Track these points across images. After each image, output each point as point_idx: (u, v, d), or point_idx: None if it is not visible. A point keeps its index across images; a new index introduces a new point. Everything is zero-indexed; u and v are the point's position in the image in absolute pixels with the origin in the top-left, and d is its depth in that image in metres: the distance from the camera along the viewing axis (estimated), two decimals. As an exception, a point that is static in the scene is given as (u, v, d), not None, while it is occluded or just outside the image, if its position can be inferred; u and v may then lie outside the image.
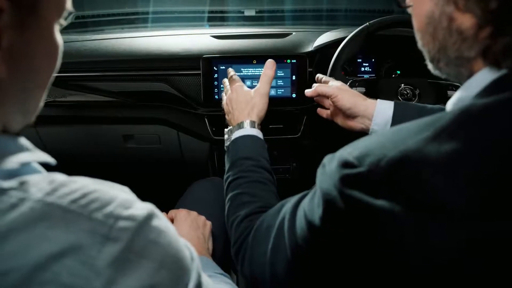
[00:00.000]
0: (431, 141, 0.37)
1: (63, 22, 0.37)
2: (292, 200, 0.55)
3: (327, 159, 0.46)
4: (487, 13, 0.39)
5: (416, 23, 0.49)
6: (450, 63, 0.46)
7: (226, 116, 0.94)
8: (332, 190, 0.41)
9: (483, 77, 0.42)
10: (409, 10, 0.51)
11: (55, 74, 0.37)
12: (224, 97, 0.96)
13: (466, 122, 0.38)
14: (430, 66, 0.50)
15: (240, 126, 0.86)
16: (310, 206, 0.47)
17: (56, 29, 0.36)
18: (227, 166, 0.82)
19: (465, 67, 0.45)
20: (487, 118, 0.38)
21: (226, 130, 0.90)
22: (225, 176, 0.81)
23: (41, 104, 0.38)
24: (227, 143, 0.88)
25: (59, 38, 0.37)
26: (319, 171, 0.47)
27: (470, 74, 0.44)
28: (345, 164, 0.41)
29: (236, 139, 0.84)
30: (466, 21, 0.41)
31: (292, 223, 0.51)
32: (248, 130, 0.85)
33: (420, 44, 0.50)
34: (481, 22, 0.40)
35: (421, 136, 0.38)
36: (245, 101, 0.89)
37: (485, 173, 0.36)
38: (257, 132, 0.86)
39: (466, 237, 0.35)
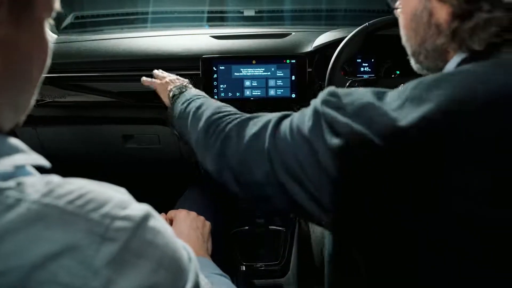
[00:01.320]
0: (397, 110, 0.44)
1: (51, 21, 0.38)
2: (276, 113, 0.60)
3: (321, 92, 0.54)
4: (461, 2, 0.47)
5: (402, 20, 0.58)
6: (428, 56, 0.54)
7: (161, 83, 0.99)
8: (318, 107, 0.51)
9: (454, 61, 0.50)
10: (397, 11, 0.59)
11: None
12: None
13: (419, 88, 0.45)
14: (411, 61, 0.58)
15: (183, 89, 0.91)
16: (300, 117, 0.54)
17: (46, 27, 0.37)
18: (179, 100, 0.85)
19: (440, 59, 0.53)
20: (439, 83, 0.44)
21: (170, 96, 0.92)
22: (178, 106, 0.83)
23: (32, 101, 0.38)
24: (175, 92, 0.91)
25: (49, 35, 0.37)
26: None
27: (445, 65, 0.52)
28: (331, 94, 0.51)
29: (190, 89, 0.91)
30: (443, 13, 0.49)
31: (275, 129, 0.56)
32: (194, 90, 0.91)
33: (404, 40, 0.59)
34: (456, 11, 0.48)
35: (392, 105, 0.45)
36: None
37: (422, 132, 0.41)
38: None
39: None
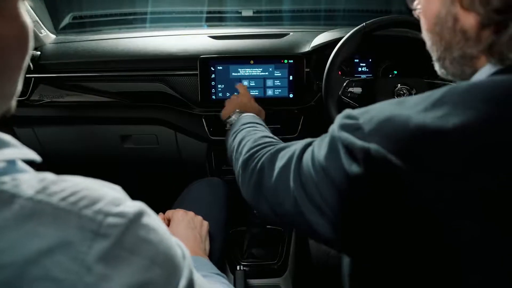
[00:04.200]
0: (422, 112, 0.41)
1: (29, 3, 0.36)
2: (302, 141, 0.60)
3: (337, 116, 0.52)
4: (490, 11, 0.42)
5: (425, 23, 0.53)
6: (454, 62, 0.50)
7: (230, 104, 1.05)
8: (335, 132, 0.49)
9: (486, 70, 0.45)
10: (416, 12, 0.55)
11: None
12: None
13: (453, 93, 0.42)
14: (436, 66, 0.54)
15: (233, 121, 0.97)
16: (318, 145, 0.53)
17: (23, 10, 0.35)
18: (230, 132, 0.90)
19: (468, 65, 0.48)
20: (473, 92, 0.41)
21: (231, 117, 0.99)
22: (229, 138, 0.88)
23: (18, 88, 0.37)
24: (231, 121, 0.97)
25: (26, 19, 0.36)
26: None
27: (474, 72, 0.48)
28: (348, 116, 0.48)
29: (242, 116, 0.95)
30: (469, 20, 0.45)
31: (299, 160, 0.56)
32: (252, 115, 0.96)
33: (428, 44, 0.54)
34: (484, 21, 0.43)
35: (416, 108, 0.42)
36: (257, 108, 1.06)
37: (461, 138, 0.39)
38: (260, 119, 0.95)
39: (435, 191, 0.38)
